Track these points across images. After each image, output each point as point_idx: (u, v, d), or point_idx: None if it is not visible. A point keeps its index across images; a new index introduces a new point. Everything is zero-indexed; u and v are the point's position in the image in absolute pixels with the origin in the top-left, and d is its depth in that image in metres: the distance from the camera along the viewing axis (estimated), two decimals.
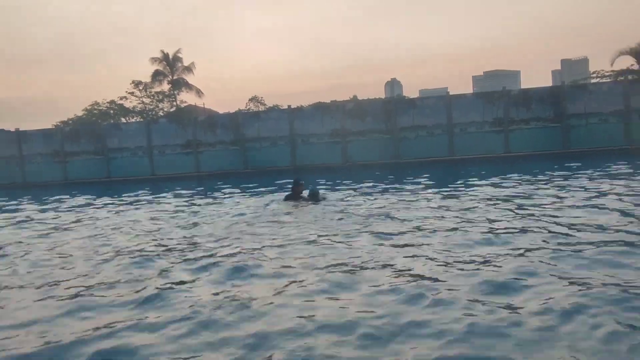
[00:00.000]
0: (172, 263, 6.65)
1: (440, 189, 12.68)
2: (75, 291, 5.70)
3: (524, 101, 22.72)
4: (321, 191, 12.02)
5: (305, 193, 11.18)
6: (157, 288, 5.55)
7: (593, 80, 39.96)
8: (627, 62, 26.59)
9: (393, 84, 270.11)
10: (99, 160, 25.57)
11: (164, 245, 7.84)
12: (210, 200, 13.72)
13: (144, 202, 14.40)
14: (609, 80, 24.30)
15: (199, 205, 12.58)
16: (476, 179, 14.65)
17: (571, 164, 16.75)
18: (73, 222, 11.25)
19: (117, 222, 10.56)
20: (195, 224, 9.58)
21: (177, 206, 12.73)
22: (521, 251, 6.16)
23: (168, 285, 5.66)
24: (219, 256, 6.76)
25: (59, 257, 7.60)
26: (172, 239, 8.36)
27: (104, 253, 7.59)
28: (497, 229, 7.48)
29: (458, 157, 22.55)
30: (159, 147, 25.26)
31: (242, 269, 6.02)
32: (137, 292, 5.51)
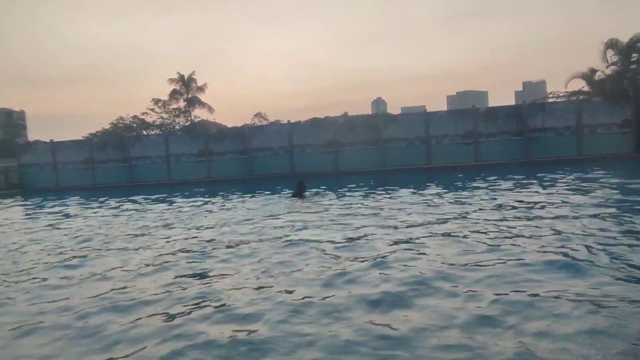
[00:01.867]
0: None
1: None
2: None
3: (491, 117, 22.88)
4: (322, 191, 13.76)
5: (308, 193, 12.81)
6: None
7: (550, 100, 40.22)
8: (579, 84, 26.80)
9: (378, 102, 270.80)
10: (123, 167, 25.49)
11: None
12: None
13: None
14: (563, 99, 24.46)
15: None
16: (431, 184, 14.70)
17: (528, 172, 16.86)
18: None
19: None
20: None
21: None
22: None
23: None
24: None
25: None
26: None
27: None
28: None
29: (434, 165, 22.62)
30: (175, 156, 25.21)
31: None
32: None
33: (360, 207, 10.56)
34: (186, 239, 8.15)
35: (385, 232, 7.56)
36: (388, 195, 12.39)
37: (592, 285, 4.52)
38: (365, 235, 7.39)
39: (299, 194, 12.76)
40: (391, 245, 6.65)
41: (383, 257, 5.94)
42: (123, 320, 4.37)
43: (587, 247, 5.83)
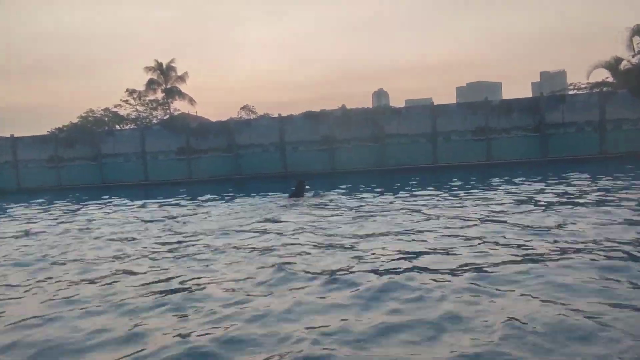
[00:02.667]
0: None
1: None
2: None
3: (505, 111, 23.03)
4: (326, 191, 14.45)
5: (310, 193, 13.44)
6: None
7: (570, 92, 40.56)
8: (602, 74, 27.03)
9: (380, 94, 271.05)
10: (93, 166, 25.43)
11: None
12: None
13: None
14: (585, 92, 24.70)
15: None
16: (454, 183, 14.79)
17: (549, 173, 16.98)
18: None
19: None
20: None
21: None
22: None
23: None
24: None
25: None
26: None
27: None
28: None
29: (441, 164, 22.72)
30: (152, 153, 25.18)
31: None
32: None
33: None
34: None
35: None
36: (447, 200, 11.52)
37: None
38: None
39: (298, 193, 13.08)
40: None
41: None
42: None
43: None
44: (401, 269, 5.82)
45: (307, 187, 13.74)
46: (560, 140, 22.45)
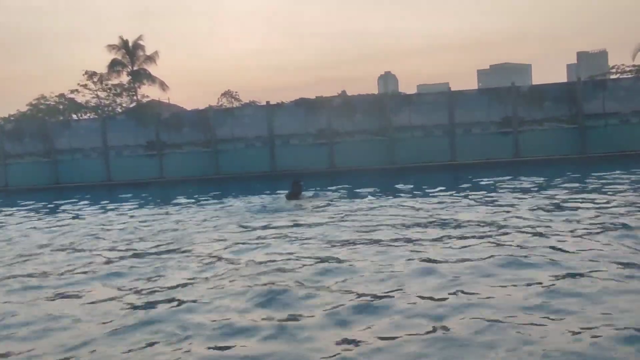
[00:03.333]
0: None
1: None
2: None
3: (535, 99, 22.99)
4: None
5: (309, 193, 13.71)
6: None
7: (612, 76, 40.70)
8: None
9: (387, 78, 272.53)
10: (45, 163, 25.29)
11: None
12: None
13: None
14: (630, 75, 24.70)
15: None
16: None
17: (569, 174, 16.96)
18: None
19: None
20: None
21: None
22: None
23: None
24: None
25: None
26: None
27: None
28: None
29: (460, 162, 22.68)
30: (116, 148, 25.07)
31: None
32: None
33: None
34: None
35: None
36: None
37: None
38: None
39: (293, 195, 13.39)
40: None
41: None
42: None
43: None
44: None
45: (302, 183, 13.95)
46: (601, 134, 22.43)
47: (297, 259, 7.48)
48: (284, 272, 6.83)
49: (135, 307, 5.87)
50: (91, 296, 6.43)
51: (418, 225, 9.54)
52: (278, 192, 15.34)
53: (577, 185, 14.24)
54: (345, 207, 12.15)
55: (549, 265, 6.46)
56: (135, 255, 8.53)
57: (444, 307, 5.26)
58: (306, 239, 8.84)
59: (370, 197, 13.85)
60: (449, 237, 8.39)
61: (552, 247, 7.28)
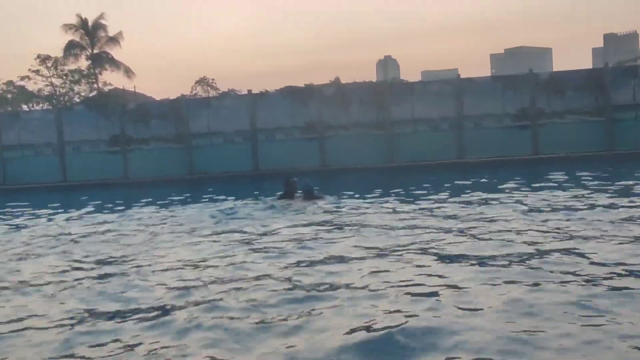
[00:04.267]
0: None
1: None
2: None
3: (556, 87, 23.15)
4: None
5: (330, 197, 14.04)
6: None
7: None
8: None
9: (387, 63, 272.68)
10: None
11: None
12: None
13: None
14: None
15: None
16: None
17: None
18: None
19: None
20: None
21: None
22: None
23: None
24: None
25: None
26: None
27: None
28: None
29: (469, 161, 22.75)
30: (73, 144, 25.01)
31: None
32: None
33: None
34: None
35: None
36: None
37: None
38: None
39: (287, 195, 13.63)
40: None
41: None
42: None
43: None
44: None
45: (295, 181, 13.99)
46: (631, 127, 22.56)
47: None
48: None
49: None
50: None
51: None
52: (257, 194, 15.28)
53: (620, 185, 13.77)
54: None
55: None
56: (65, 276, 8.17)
57: None
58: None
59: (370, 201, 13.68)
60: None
61: None
